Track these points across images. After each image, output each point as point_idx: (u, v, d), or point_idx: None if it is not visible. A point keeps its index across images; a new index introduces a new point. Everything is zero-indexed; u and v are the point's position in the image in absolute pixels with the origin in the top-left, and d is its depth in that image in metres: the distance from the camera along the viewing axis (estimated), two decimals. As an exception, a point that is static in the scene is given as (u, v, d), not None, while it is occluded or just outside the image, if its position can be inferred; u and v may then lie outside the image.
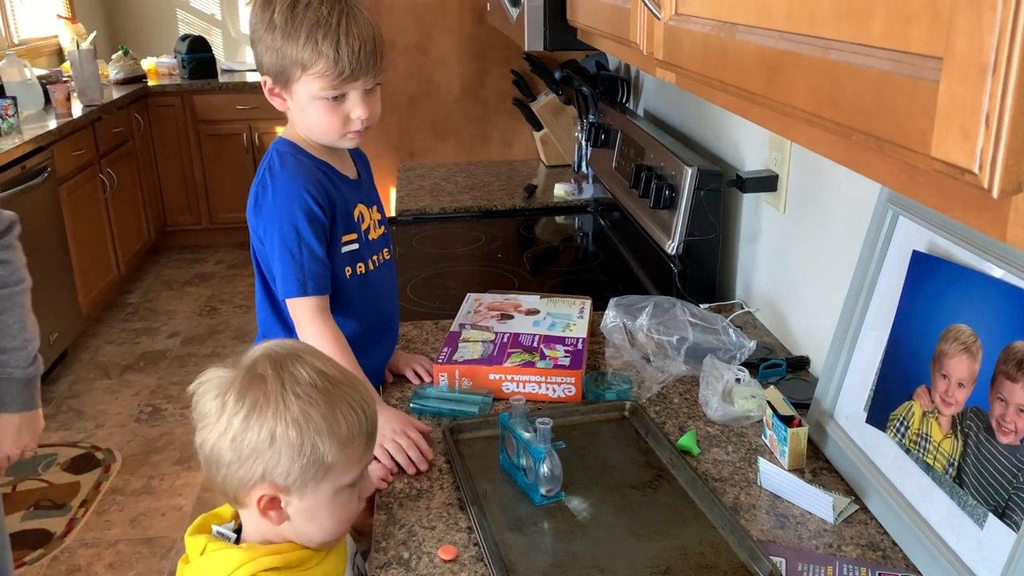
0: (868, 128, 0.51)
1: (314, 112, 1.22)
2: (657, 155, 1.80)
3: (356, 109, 1.22)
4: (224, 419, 0.85)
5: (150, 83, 4.94)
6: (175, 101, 4.88)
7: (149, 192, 4.83)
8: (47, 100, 4.14)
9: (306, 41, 1.16)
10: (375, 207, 1.37)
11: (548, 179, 2.72)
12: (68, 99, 4.07)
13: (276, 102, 1.25)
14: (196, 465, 2.97)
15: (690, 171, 1.61)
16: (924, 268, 1.01)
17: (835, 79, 0.54)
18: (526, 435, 1.11)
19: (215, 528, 0.98)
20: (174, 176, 5.00)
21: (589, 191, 2.48)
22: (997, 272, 0.90)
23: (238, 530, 0.97)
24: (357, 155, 1.39)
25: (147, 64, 5.10)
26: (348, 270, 1.30)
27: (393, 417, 1.22)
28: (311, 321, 1.26)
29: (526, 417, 1.14)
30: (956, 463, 0.92)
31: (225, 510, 0.99)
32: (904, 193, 0.51)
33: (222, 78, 5.04)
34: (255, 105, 4.83)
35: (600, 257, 2.16)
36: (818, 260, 1.41)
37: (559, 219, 2.47)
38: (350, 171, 1.34)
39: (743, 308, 1.65)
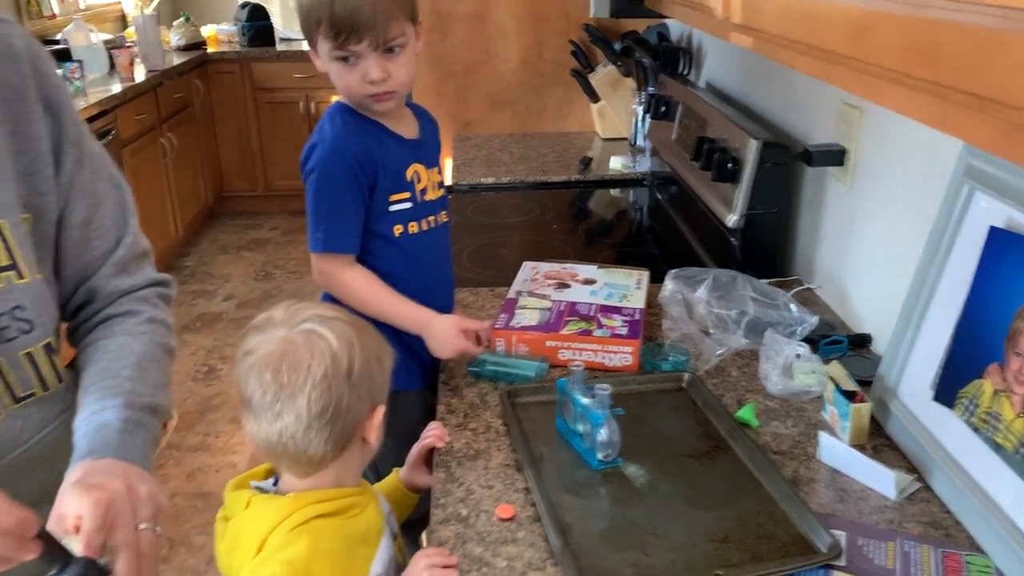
0: (970, 87, 0.49)
1: (333, 72, 1.26)
2: (720, 127, 1.78)
3: (370, 71, 1.23)
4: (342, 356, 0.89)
5: (210, 50, 5.01)
6: (234, 68, 4.94)
7: (207, 157, 4.91)
8: (111, 65, 4.22)
9: (309, 4, 1.21)
10: (435, 169, 1.38)
11: (603, 152, 2.70)
12: (131, 64, 4.15)
13: (317, 63, 1.29)
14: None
15: (755, 144, 1.58)
16: (1002, 244, 0.98)
17: (932, 37, 0.52)
18: (585, 400, 1.11)
19: (253, 483, 0.99)
20: (232, 142, 5.08)
21: (646, 164, 2.45)
22: (1081, 249, 0.87)
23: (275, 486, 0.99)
24: (425, 118, 1.40)
25: (207, 31, 5.17)
26: (398, 229, 1.32)
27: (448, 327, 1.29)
28: (338, 276, 1.30)
29: (584, 383, 1.15)
30: (1028, 443, 0.90)
31: (260, 470, 1.01)
32: (1003, 155, 0.50)
33: (280, 46, 5.09)
34: (312, 74, 4.86)
35: (655, 231, 2.14)
36: (885, 237, 1.38)
37: (614, 192, 2.46)
38: (408, 131, 1.35)
39: (803, 284, 1.62)
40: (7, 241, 0.86)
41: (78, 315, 0.98)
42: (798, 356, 1.28)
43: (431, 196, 1.36)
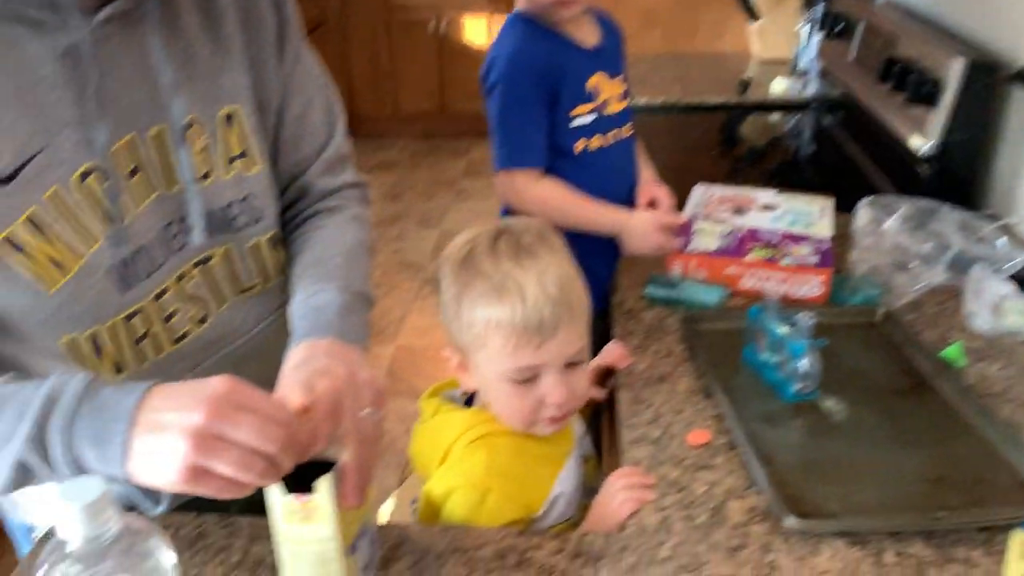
0: None
1: None
2: (913, 46, 1.64)
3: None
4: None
5: (345, -33, 5.00)
6: (369, -14, 4.93)
7: (340, 76, 4.94)
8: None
9: None
10: (619, 79, 1.32)
11: (761, 74, 2.56)
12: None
13: None
14: (385, 339, 3.12)
15: (960, 62, 1.45)
16: None
17: None
18: (782, 330, 1.06)
19: (444, 393, 1.01)
20: (364, 62, 5.10)
21: (812, 87, 2.31)
22: None
23: (469, 399, 0.99)
24: (607, 24, 1.34)
25: (343, -52, 5.15)
26: (580, 144, 1.27)
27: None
28: (528, 191, 1.26)
29: (779, 312, 1.09)
30: None
31: (455, 381, 1.01)
32: None
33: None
34: (446, -7, 4.82)
35: (825, 159, 2.02)
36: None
37: (774, 117, 2.33)
38: (589, 38, 1.29)
39: (1001, 219, 1.50)
40: (242, 127, 0.87)
41: (288, 211, 0.99)
42: (1006, 296, 1.19)
43: (614, 108, 1.31)
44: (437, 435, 0.96)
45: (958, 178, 1.54)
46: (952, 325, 1.21)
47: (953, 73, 1.46)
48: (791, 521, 0.84)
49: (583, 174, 1.29)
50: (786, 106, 2.33)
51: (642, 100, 2.35)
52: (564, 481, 0.97)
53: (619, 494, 0.90)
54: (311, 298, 0.87)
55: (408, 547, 0.84)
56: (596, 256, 1.28)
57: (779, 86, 2.34)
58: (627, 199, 1.37)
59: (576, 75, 1.26)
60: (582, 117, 1.27)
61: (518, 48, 1.25)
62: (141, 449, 0.64)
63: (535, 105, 1.23)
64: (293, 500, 0.69)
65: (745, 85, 2.42)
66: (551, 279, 0.87)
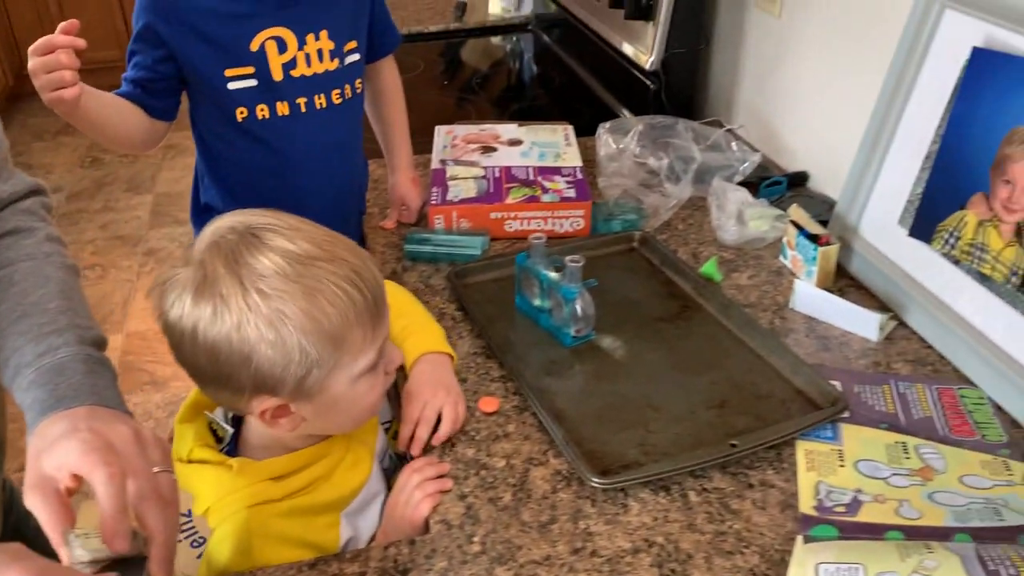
0: None
1: None
2: (625, -41, 1.63)
3: None
4: (193, 330, 0.69)
5: None
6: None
7: (1, 30, 4.23)
8: None
9: None
10: (324, 32, 1.12)
11: (477, -4, 2.49)
12: None
13: None
14: (110, 328, 2.77)
15: (672, -26, 1.46)
16: (984, 65, 0.93)
17: None
18: (552, 275, 1.01)
19: (209, 416, 0.84)
20: (25, 8, 4.38)
21: (528, 6, 2.28)
22: (1081, 66, 0.83)
23: (238, 420, 0.84)
24: None
25: None
26: (240, 112, 1.11)
27: None
28: None
29: (546, 256, 1.04)
30: (1021, 271, 0.88)
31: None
32: None
33: None
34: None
35: (553, 80, 2.00)
36: (823, 69, 1.32)
37: (495, 40, 2.28)
38: None
39: (724, 126, 1.56)
40: None
41: None
42: (746, 203, 1.23)
43: (310, 70, 1.12)
44: (193, 487, 0.80)
45: (683, 90, 1.57)
46: (702, 239, 1.23)
47: (666, -15, 1.46)
48: (596, 481, 0.81)
49: (256, 146, 1.14)
50: (505, 28, 2.28)
51: (359, 33, 2.19)
52: (352, 523, 0.85)
53: (414, 493, 0.81)
54: (42, 359, 0.69)
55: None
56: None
57: (496, 6, 2.28)
58: (335, 172, 1.21)
59: (229, 32, 1.08)
60: (240, 80, 1.10)
61: None
62: None
63: (143, 53, 1.09)
64: None
65: (463, 8, 2.34)
66: (363, 273, 0.75)
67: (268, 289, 0.69)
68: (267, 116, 1.12)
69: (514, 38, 2.27)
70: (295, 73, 1.12)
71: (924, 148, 1.02)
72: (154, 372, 2.53)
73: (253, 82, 1.10)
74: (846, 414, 0.89)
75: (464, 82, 2.00)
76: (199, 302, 0.69)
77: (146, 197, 3.62)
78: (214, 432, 0.83)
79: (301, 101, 1.13)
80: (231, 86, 1.09)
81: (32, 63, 0.92)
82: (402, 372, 0.92)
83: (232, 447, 0.83)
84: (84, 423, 0.63)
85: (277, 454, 0.81)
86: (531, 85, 2.04)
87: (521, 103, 1.91)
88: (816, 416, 0.88)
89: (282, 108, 1.13)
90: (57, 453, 0.61)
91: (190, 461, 0.79)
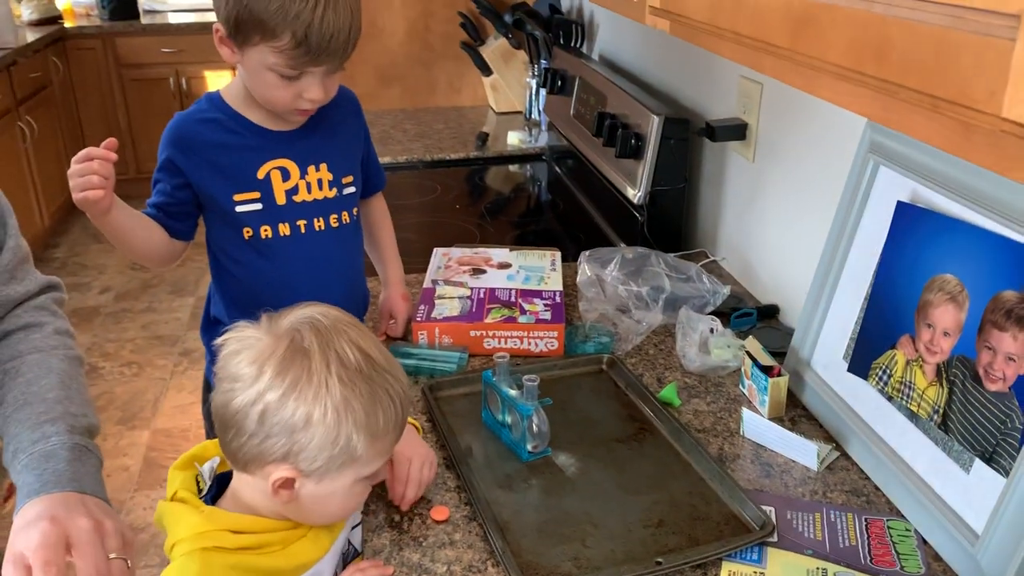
0: (921, 86, 0.49)
1: (263, 81, 1.14)
2: (620, 103, 1.78)
3: (311, 91, 1.14)
4: (258, 388, 0.78)
5: (67, 24, 4.66)
6: (95, 44, 4.62)
7: (72, 141, 4.59)
8: (-45, 42, 3.87)
9: (276, 12, 1.06)
10: (324, 165, 1.26)
11: (499, 126, 2.68)
12: (-22, 41, 3.81)
13: (224, 52, 1.16)
14: (139, 424, 2.89)
15: (656, 119, 1.59)
16: (908, 218, 1.02)
17: (882, 34, 0.52)
18: (512, 392, 1.10)
19: (200, 468, 0.91)
20: (97, 123, 4.76)
21: (543, 138, 2.44)
22: (985, 223, 0.91)
23: (224, 477, 0.91)
24: (339, 104, 1.25)
25: (62, 3, 4.80)
26: (247, 231, 1.24)
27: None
28: None
29: (510, 374, 1.13)
30: (941, 410, 0.94)
31: (213, 446, 0.92)
32: (954, 152, 0.50)
33: (144, 19, 4.79)
34: (181, 48, 4.62)
35: (558, 207, 2.13)
36: (789, 209, 1.41)
37: (513, 168, 2.44)
38: (286, 123, 1.23)
39: (709, 257, 1.65)
40: None
41: None
42: (712, 331, 1.31)
43: (311, 196, 1.26)
44: (168, 524, 0.88)
45: (669, 223, 1.68)
46: (669, 365, 1.31)
47: (653, 129, 1.59)
48: (526, 590, 0.86)
49: (261, 262, 1.26)
50: (522, 157, 2.44)
51: (385, 159, 2.37)
52: None
53: None
54: (35, 446, 0.79)
55: None
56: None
57: (514, 138, 2.45)
58: (332, 289, 1.30)
59: (242, 161, 1.22)
60: (247, 204, 1.23)
61: (176, 122, 1.23)
62: None
63: (166, 180, 1.23)
64: None
65: (484, 138, 2.51)
66: None
67: (346, 379, 0.79)
68: (270, 236, 1.25)
69: (530, 166, 2.42)
70: (297, 199, 1.25)
71: (864, 289, 1.09)
72: (174, 469, 2.62)
73: (258, 206, 1.24)
74: (773, 538, 0.93)
75: (488, 205, 2.14)
76: (286, 368, 0.78)
77: (188, 300, 3.81)
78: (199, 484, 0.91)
79: (301, 223, 1.26)
80: (239, 209, 1.23)
81: (71, 168, 1.07)
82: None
83: (209, 501, 0.90)
84: (51, 511, 0.72)
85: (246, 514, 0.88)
86: (546, 210, 2.17)
87: (536, 226, 2.03)
88: (740, 541, 0.93)
89: (284, 229, 1.26)
90: (22, 537, 0.70)
91: (172, 499, 0.87)
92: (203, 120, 1.22)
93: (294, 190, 1.25)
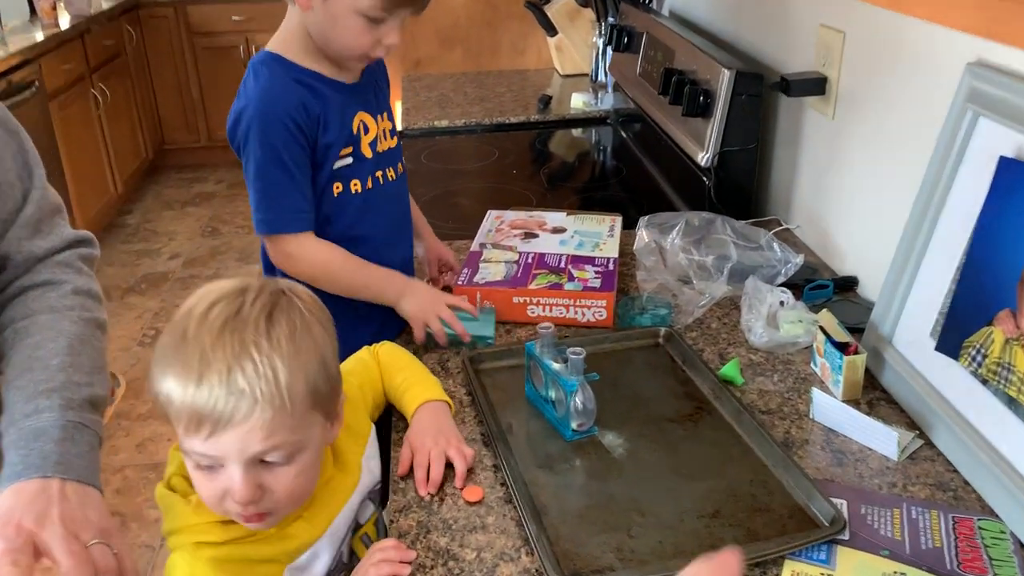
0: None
1: (346, 28, 1.08)
2: (689, 58, 1.65)
3: (391, 36, 1.10)
4: None
5: (140, -8, 4.71)
6: (168, 12, 4.66)
7: (145, 109, 4.65)
8: (32, 10, 3.94)
9: None
10: (384, 115, 1.23)
11: (563, 89, 2.56)
12: (54, 9, 3.87)
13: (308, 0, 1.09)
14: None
15: (727, 74, 1.46)
16: (1013, 176, 0.88)
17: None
18: (555, 366, 1.01)
19: None
20: (170, 92, 4.81)
21: (609, 101, 2.32)
22: (1108, 179, 0.77)
23: None
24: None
25: (136, -28, 4.85)
26: (337, 187, 1.17)
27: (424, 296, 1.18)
28: (298, 257, 1.16)
29: (555, 346, 1.04)
30: (1047, 397, 0.81)
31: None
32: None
33: (215, -13, 4.80)
34: (251, 16, 4.62)
35: (622, 172, 2.02)
36: (872, 171, 1.28)
37: (576, 132, 2.33)
38: (349, 75, 1.18)
39: (781, 225, 1.52)
40: None
41: None
42: (782, 304, 1.19)
43: (382, 147, 1.21)
44: (163, 509, 0.83)
45: (739, 187, 1.55)
46: (733, 340, 1.20)
47: (723, 84, 1.47)
48: (562, 584, 0.78)
49: (341, 217, 1.19)
50: (586, 120, 2.33)
51: (444, 122, 2.29)
52: (303, 567, 0.85)
53: (369, 570, 0.81)
54: (27, 419, 0.75)
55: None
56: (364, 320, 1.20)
57: (578, 101, 2.34)
58: (391, 240, 1.26)
59: (338, 116, 1.15)
60: (344, 159, 1.17)
61: (266, 96, 1.12)
62: None
63: (293, 160, 1.12)
64: None
65: (546, 101, 2.41)
66: (251, 367, 0.71)
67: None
68: (359, 190, 1.20)
69: (594, 130, 2.31)
70: (380, 149, 1.22)
71: (957, 258, 0.96)
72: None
73: (350, 160, 1.18)
74: (844, 536, 0.83)
75: (552, 172, 2.04)
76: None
77: (254, 267, 3.83)
78: None
79: (379, 175, 1.22)
80: (337, 165, 1.17)
81: None
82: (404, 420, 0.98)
83: None
84: (18, 516, 0.68)
85: None
86: (610, 176, 2.06)
87: (598, 193, 1.92)
88: (805, 537, 0.82)
89: (369, 182, 1.21)
90: None
91: (167, 486, 0.83)
92: (296, 82, 1.13)
93: (374, 142, 1.21)
